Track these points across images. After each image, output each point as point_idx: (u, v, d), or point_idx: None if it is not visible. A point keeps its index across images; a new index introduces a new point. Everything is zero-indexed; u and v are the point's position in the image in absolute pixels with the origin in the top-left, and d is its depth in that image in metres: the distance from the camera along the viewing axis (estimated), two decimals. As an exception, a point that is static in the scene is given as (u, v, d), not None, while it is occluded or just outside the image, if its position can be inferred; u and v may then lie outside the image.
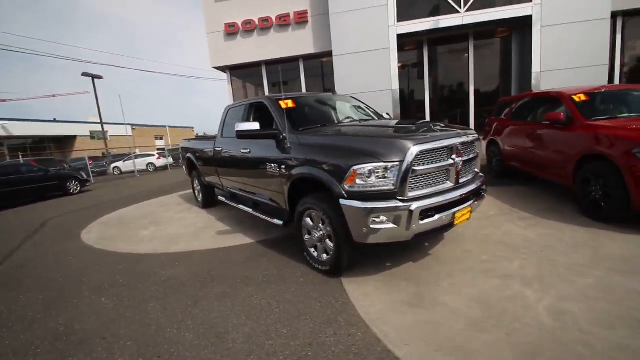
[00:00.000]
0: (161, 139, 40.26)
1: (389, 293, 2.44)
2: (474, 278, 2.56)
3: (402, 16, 7.92)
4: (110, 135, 24.21)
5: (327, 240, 2.74)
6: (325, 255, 2.81)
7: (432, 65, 8.91)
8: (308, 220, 2.91)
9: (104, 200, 8.34)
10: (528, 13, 7.42)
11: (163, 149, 23.44)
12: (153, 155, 20.10)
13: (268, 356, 1.85)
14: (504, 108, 6.12)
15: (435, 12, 7.87)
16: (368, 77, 8.06)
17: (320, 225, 2.77)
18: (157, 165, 19.70)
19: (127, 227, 5.15)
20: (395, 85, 8.10)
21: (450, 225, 2.58)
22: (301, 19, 8.67)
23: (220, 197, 4.91)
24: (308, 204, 2.80)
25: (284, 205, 3.27)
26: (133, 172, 17.40)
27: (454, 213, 2.54)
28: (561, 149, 4.12)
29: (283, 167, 3.04)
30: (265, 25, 8.85)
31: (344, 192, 2.41)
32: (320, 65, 9.43)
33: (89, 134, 25.66)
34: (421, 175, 2.42)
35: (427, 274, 2.69)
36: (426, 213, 2.39)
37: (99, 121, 20.58)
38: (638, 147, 3.04)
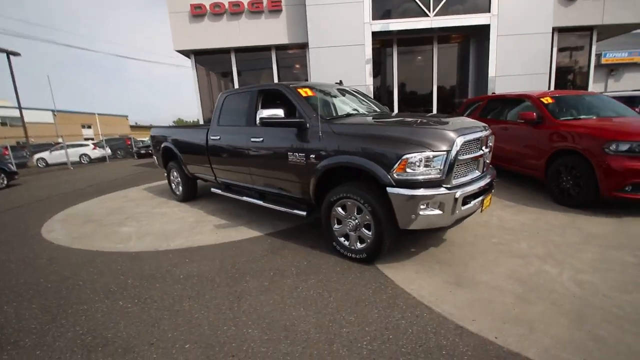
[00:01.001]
0: (89, 127, 35.78)
1: (430, 276, 2.57)
2: (495, 258, 2.82)
3: (376, 15, 8.16)
4: (27, 122, 20.79)
5: (363, 229, 2.77)
6: (359, 244, 2.85)
7: (400, 64, 9.36)
8: (339, 209, 2.90)
9: (41, 196, 7.19)
10: (486, 22, 8.20)
11: (99, 139, 20.88)
12: (87, 145, 17.80)
13: (351, 342, 1.84)
14: (470, 107, 6.72)
15: (407, 14, 8.26)
16: (344, 72, 8.14)
17: (355, 214, 2.79)
18: (93, 157, 17.50)
19: (99, 223, 4.55)
20: (370, 81, 8.35)
21: (476, 211, 2.80)
22: (275, 7, 8.40)
23: (213, 190, 4.60)
24: (343, 192, 2.79)
25: (306, 195, 3.21)
26: (65, 164, 15.21)
27: (483, 200, 2.77)
28: (533, 144, 4.69)
29: (312, 156, 2.98)
30: (236, 10, 8.39)
31: (392, 181, 2.46)
32: (293, 56, 9.27)
33: (-2, 120, 21.70)
34: (461, 164, 2.58)
35: (452, 257, 2.89)
36: (465, 200, 2.57)
37: (11, 105, 17.52)
38: (607, 144, 3.62)
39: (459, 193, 2.47)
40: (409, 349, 1.77)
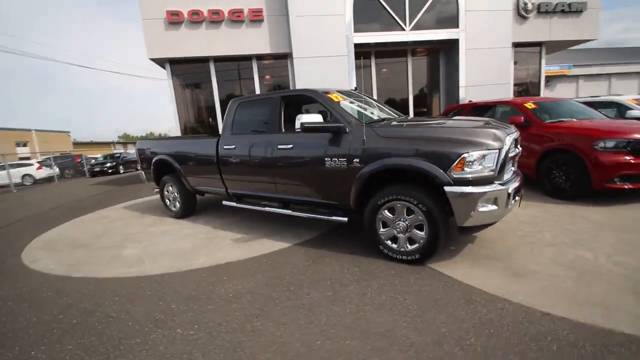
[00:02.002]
0: (25, 145, 31.88)
1: (485, 270, 2.66)
2: (532, 249, 3.00)
3: (357, 27, 8.45)
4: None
5: (415, 230, 2.80)
6: (409, 245, 2.86)
7: (378, 75, 9.75)
8: (386, 212, 2.91)
9: None
10: (456, 37, 8.90)
11: (44, 157, 18.68)
12: (30, 164, 15.82)
13: (458, 341, 1.83)
14: (450, 114, 7.19)
15: (386, 28, 8.67)
16: (328, 82, 8.25)
17: (405, 215, 2.81)
18: (37, 177, 15.58)
19: (91, 248, 4.04)
20: (353, 91, 8.57)
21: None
22: (256, 17, 8.32)
23: (226, 203, 4.32)
24: (393, 195, 2.80)
25: (343, 200, 3.17)
26: (5, 186, 13.32)
27: (520, 196, 2.95)
28: (524, 145, 5.12)
29: (356, 160, 2.96)
30: (215, 19, 8.15)
31: (450, 180, 2.53)
32: (275, 66, 9.20)
33: None
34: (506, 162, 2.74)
35: (493, 251, 3.02)
36: (512, 195, 2.72)
37: None
38: (597, 142, 4.08)
39: (511, 188, 2.62)
40: (517, 340, 1.80)
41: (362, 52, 9.25)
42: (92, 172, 16.25)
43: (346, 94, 3.76)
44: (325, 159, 3.15)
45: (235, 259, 3.32)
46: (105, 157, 18.59)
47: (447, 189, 2.55)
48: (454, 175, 2.52)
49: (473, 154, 2.50)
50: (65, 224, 5.49)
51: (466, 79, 9.15)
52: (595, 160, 4.08)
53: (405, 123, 3.17)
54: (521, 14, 9.66)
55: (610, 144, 4.04)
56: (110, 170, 16.56)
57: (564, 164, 4.49)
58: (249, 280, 2.82)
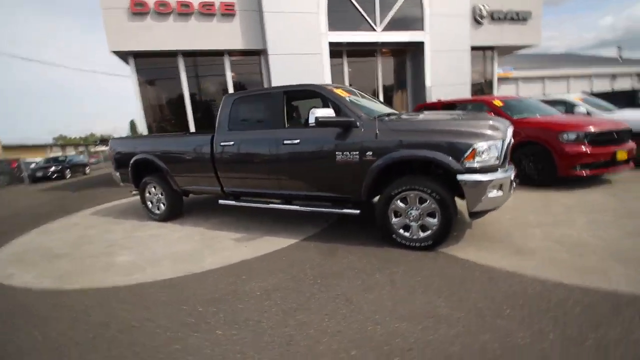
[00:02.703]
0: (-64, 150, 27.42)
1: (491, 251, 2.89)
2: (524, 230, 3.32)
3: (331, 26, 8.56)
4: None
5: (427, 217, 2.96)
6: (421, 232, 3.02)
7: (350, 73, 9.97)
8: (398, 202, 3.04)
9: None
10: (422, 39, 9.42)
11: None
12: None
13: (501, 311, 2.00)
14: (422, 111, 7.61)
15: (358, 27, 8.90)
16: (304, 79, 8.27)
17: (418, 204, 2.97)
18: (-38, 186, 13.51)
19: (73, 257, 3.68)
20: (329, 89, 8.67)
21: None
22: (228, 11, 8.05)
23: (223, 202, 4.16)
24: (406, 185, 2.94)
25: (353, 193, 3.25)
26: None
27: (516, 183, 3.26)
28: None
29: (369, 153, 3.04)
30: (185, 11, 7.73)
31: (463, 169, 2.73)
32: (248, 63, 8.97)
33: None
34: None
35: (492, 234, 3.29)
36: (512, 182, 3.00)
37: None
38: (561, 134, 4.62)
39: (512, 175, 2.88)
40: (545, 307, 2.01)
41: (335, 50, 9.39)
42: (34, 177, 14.48)
43: (347, 90, 3.83)
44: (336, 152, 3.20)
45: (246, 258, 3.23)
46: (48, 161, 16.68)
47: (460, 177, 2.74)
48: (467, 165, 2.72)
49: (482, 145, 2.72)
50: (26, 235, 4.88)
51: (431, 79, 9.72)
52: (561, 151, 4.61)
53: (414, 117, 3.33)
54: (477, 19, 10.49)
55: (572, 136, 4.59)
56: (54, 176, 14.86)
57: (532, 155, 5.00)
58: (270, 277, 2.78)
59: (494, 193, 2.79)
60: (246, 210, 4.98)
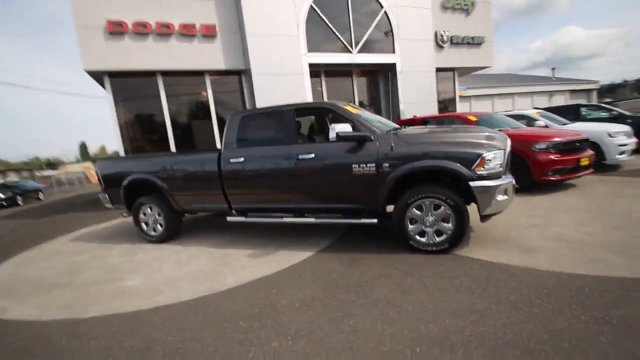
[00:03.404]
0: None
1: (501, 250, 3.17)
2: (521, 231, 3.67)
3: (310, 48, 8.91)
4: None
5: (442, 222, 3.19)
6: (437, 237, 3.24)
7: (328, 92, 10.34)
8: (414, 210, 3.25)
9: None
10: (393, 61, 10.09)
11: None
12: None
13: (532, 302, 2.21)
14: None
15: (335, 49, 9.34)
16: (287, 98, 8.46)
17: (433, 210, 3.20)
18: None
19: (73, 287, 3.40)
20: (311, 107, 8.92)
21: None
22: (209, 33, 8.08)
23: (231, 219, 4.10)
24: (422, 193, 3.16)
25: (368, 203, 3.42)
26: None
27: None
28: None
29: (386, 165, 3.24)
30: (165, 32, 7.64)
31: (474, 176, 3.01)
32: (229, 83, 8.97)
33: None
34: (504, 160, 3.36)
35: (495, 236, 3.59)
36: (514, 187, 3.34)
37: None
38: (534, 144, 5.20)
39: (514, 181, 3.22)
40: (568, 295, 2.27)
41: (313, 70, 9.73)
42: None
43: (354, 107, 4.05)
44: (353, 165, 3.36)
45: (268, 274, 3.22)
46: (-5, 187, 15.01)
47: (472, 184, 3.01)
48: (477, 172, 3.01)
49: (489, 154, 3.03)
50: (2, 266, 4.40)
51: (403, 97, 10.38)
52: (535, 159, 5.17)
53: (423, 131, 3.60)
54: (439, 44, 11.47)
55: (543, 145, 5.18)
56: (5, 204, 13.38)
57: (512, 164, 5.53)
58: (302, 289, 2.81)
59: (501, 197, 3.09)
60: (247, 227, 4.95)
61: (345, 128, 3.27)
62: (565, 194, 5.09)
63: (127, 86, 7.95)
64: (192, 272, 3.45)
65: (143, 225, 4.66)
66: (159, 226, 4.57)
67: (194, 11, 7.92)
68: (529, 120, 7.63)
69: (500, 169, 3.12)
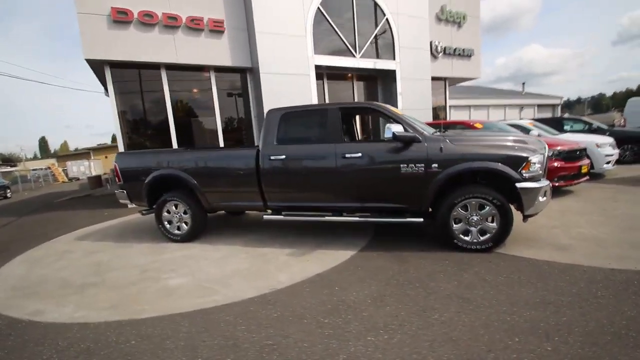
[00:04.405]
0: None
1: (539, 249, 3.36)
2: (548, 231, 3.92)
3: (316, 50, 8.97)
4: None
5: (486, 222, 3.35)
6: (480, 236, 3.39)
7: (330, 94, 10.44)
8: (460, 209, 3.39)
9: None
10: (394, 68, 10.38)
11: None
12: None
13: (592, 294, 2.39)
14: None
15: (340, 53, 9.47)
16: (294, 99, 8.45)
17: (478, 210, 3.35)
18: None
19: (105, 286, 3.21)
20: (316, 108, 8.96)
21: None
22: (217, 28, 7.91)
23: (267, 217, 4.03)
24: (469, 194, 3.31)
25: (413, 202, 3.52)
26: None
27: (540, 190, 3.86)
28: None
29: (434, 165, 3.36)
30: (172, 23, 7.38)
31: (520, 178, 3.20)
32: (234, 80, 8.80)
33: None
34: (540, 164, 3.59)
35: (525, 236, 3.80)
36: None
37: None
38: (542, 151, 5.55)
39: (550, 184, 3.45)
40: (620, 288, 2.48)
41: (317, 73, 9.80)
42: None
43: (396, 109, 4.15)
44: (401, 165, 3.45)
45: (322, 271, 3.22)
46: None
47: (518, 185, 3.20)
48: (524, 174, 3.20)
49: (534, 157, 3.24)
50: (7, 267, 4.03)
51: (401, 104, 10.69)
52: (542, 166, 5.52)
53: (468, 134, 3.76)
54: (434, 54, 11.95)
55: (549, 153, 5.54)
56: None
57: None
58: (364, 285, 2.84)
59: (542, 198, 3.30)
60: (271, 226, 4.92)
61: (399, 128, 3.35)
62: (570, 199, 5.48)
63: (129, 78, 7.58)
64: (237, 271, 3.36)
65: (166, 223, 4.46)
66: (183, 225, 4.41)
67: (203, 5, 7.73)
68: (524, 130, 8.13)
69: (541, 172, 3.33)
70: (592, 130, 9.43)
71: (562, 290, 2.51)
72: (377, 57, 10.13)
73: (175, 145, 7.99)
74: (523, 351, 1.85)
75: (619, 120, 18.80)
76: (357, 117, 10.06)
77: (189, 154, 4.41)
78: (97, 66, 7.25)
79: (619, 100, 78.70)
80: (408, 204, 3.58)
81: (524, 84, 32.09)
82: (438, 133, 3.66)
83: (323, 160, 3.71)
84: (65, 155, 45.60)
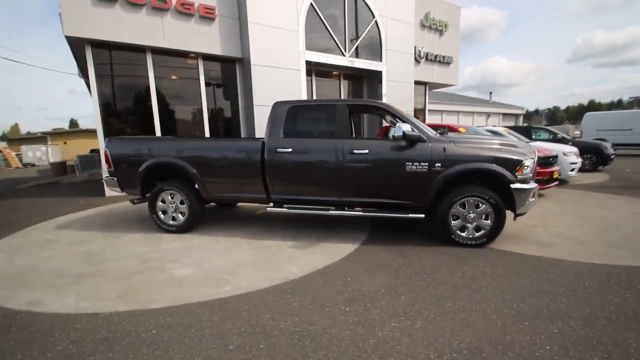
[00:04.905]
0: None
1: (525, 245, 3.67)
2: (530, 230, 4.27)
3: (308, 46, 8.96)
4: None
5: (482, 219, 3.60)
6: (475, 232, 3.64)
7: (317, 91, 10.47)
8: (458, 207, 3.61)
9: None
10: (380, 69, 10.63)
11: None
12: None
13: (580, 284, 2.67)
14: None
15: (330, 50, 9.52)
16: (284, 93, 8.41)
17: (474, 208, 3.59)
18: None
19: (104, 276, 3.07)
20: (304, 104, 8.96)
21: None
22: (208, 14, 7.65)
23: (271, 209, 4.03)
24: (468, 192, 3.53)
25: (414, 199, 3.70)
26: None
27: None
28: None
29: (438, 164, 3.54)
30: (161, 6, 7.03)
31: (514, 179, 3.47)
32: (222, 70, 8.57)
33: None
34: (529, 167, 3.89)
35: (513, 233, 4.13)
36: (534, 191, 3.88)
37: None
38: (521, 156, 5.99)
39: (538, 186, 3.77)
40: (607, 279, 2.79)
41: (306, 69, 9.80)
42: None
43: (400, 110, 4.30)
44: (406, 163, 3.61)
45: (330, 262, 3.30)
46: None
47: (513, 186, 3.47)
48: (518, 176, 3.48)
49: (528, 161, 3.52)
50: (-18, 256, 3.72)
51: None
52: (520, 170, 5.96)
53: (468, 137, 3.98)
54: (417, 59, 12.36)
55: (527, 159, 6.00)
56: None
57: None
58: (374, 277, 2.96)
59: (531, 199, 3.60)
60: (266, 218, 4.94)
61: (407, 128, 3.49)
62: (544, 202, 5.96)
63: (111, 60, 7.15)
64: (243, 262, 3.35)
65: (160, 213, 4.32)
66: (179, 215, 4.29)
67: (194, -11, 7.46)
68: (499, 136, 8.69)
69: (531, 174, 3.63)
70: (556, 140, 10.24)
71: (555, 281, 2.78)
72: (366, 57, 10.31)
73: (158, 133, 7.66)
74: (534, 333, 2.05)
75: (573, 132, 20.48)
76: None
77: (191, 143, 4.29)
78: (77, 45, 6.76)
79: (572, 114, 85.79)
80: (411, 200, 3.75)
81: (491, 93, 34.05)
82: (444, 135, 3.85)
83: (330, 155, 3.78)
84: (18, 139, 41.78)
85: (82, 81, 11.47)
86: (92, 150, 18.72)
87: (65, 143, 34.43)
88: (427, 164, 3.58)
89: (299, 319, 2.28)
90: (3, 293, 2.78)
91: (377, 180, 3.75)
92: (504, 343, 1.97)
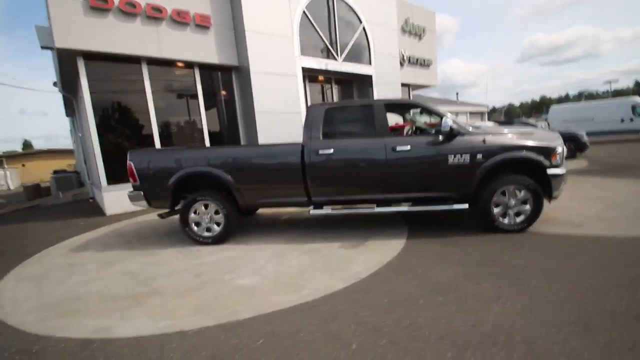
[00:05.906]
0: None
1: (561, 227, 3.89)
2: (557, 212, 4.54)
3: (302, 51, 9.00)
4: None
5: (522, 205, 3.78)
6: (516, 218, 3.81)
7: (311, 95, 10.52)
8: (500, 195, 3.77)
9: None
10: (370, 73, 10.89)
11: None
12: None
13: (628, 257, 2.88)
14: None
15: (323, 55, 9.63)
16: (283, 99, 8.38)
17: (514, 195, 3.76)
18: None
19: (166, 294, 2.89)
20: (303, 108, 8.93)
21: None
22: (203, 23, 7.49)
23: (314, 212, 3.97)
24: (509, 181, 3.70)
25: (457, 190, 3.82)
26: None
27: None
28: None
29: (479, 156, 3.69)
30: (156, 15, 6.78)
31: (550, 165, 3.69)
32: (218, 78, 8.37)
33: None
34: (554, 154, 4.15)
35: (543, 217, 4.37)
36: (562, 176, 4.13)
37: None
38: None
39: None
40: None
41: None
42: None
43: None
44: (449, 156, 3.72)
45: (390, 259, 3.32)
46: None
47: (549, 171, 3.68)
48: (552, 163, 3.70)
49: (560, 148, 3.76)
50: (5, 282, 3.34)
51: (377, 107, 11.23)
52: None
53: (502, 128, 4.15)
54: (401, 62, 12.80)
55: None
56: None
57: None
58: (442, 268, 3.00)
59: (563, 184, 3.84)
60: (295, 222, 4.87)
61: (451, 122, 3.61)
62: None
63: (105, 72, 6.77)
64: (304, 266, 3.28)
65: (193, 225, 4.12)
66: (214, 226, 4.12)
67: (188, -2, 7.28)
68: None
69: (560, 161, 3.87)
70: (536, 132, 10.97)
71: (607, 255, 2.98)
72: (356, 62, 10.53)
73: (158, 145, 7.33)
74: (629, 299, 2.19)
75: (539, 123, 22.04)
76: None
77: (225, 151, 4.16)
78: (68, 57, 6.33)
79: (526, 109, 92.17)
80: (454, 192, 3.86)
81: (457, 93, 36.05)
82: (479, 128, 4.02)
83: (373, 153, 3.82)
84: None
85: (35, 99, 10.77)
86: (55, 172, 17.11)
87: (23, 165, 31.88)
88: (468, 155, 3.71)
89: (400, 314, 2.27)
90: (56, 323, 2.52)
91: (422, 174, 3.83)
92: (608, 311, 2.08)
